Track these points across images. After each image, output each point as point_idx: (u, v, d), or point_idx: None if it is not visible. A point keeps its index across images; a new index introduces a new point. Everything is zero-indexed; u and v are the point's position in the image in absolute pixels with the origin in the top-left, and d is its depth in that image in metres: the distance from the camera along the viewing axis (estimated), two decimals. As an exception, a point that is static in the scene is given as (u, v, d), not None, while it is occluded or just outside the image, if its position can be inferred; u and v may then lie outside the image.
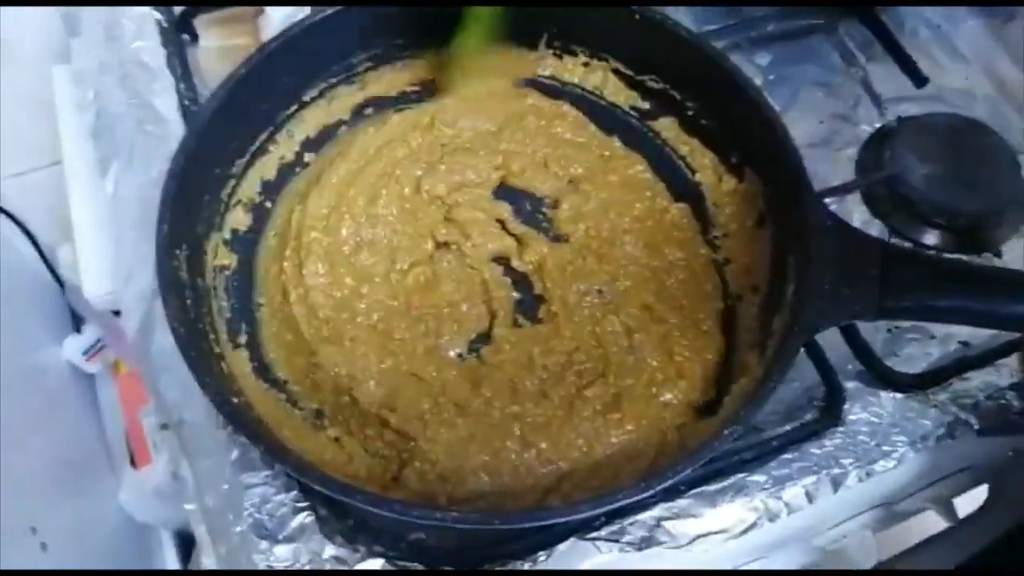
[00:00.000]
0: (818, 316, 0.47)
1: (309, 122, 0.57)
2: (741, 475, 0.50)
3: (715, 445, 0.44)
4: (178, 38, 0.60)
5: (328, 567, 0.46)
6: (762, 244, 0.54)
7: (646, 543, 0.48)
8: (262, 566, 0.45)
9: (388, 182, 0.55)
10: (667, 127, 0.59)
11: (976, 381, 0.54)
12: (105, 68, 0.60)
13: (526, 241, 0.55)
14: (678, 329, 0.52)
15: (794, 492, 0.50)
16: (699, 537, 0.48)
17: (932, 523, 0.59)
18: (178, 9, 0.61)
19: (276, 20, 0.59)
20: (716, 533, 0.49)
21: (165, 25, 0.61)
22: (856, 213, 0.61)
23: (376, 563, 0.46)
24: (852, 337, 0.55)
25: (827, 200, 0.56)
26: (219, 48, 0.61)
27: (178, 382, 0.50)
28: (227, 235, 0.53)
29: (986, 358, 0.55)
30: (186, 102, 0.57)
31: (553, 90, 0.61)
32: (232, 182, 0.54)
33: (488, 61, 0.59)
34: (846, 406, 0.52)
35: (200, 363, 0.44)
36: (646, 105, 0.60)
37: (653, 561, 0.48)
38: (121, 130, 0.58)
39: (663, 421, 0.49)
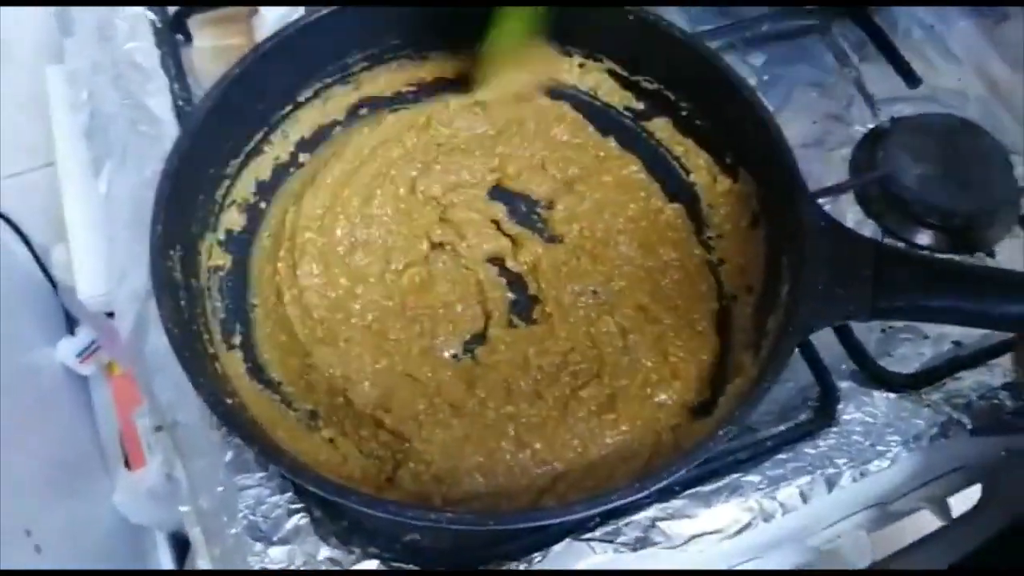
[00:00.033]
0: (812, 316, 0.47)
1: (304, 122, 0.57)
2: (736, 475, 0.50)
3: (710, 446, 0.44)
4: (172, 38, 0.60)
5: (323, 569, 0.45)
6: (756, 244, 0.54)
7: (641, 544, 0.48)
8: (257, 568, 0.45)
9: (383, 182, 0.55)
10: (661, 127, 0.59)
11: (969, 381, 0.54)
12: (98, 68, 0.60)
13: (521, 242, 0.55)
14: (673, 330, 0.52)
15: (788, 492, 0.50)
16: (694, 537, 0.48)
17: (926, 523, 0.59)
18: (172, 9, 0.61)
19: (270, 20, 0.59)
20: (711, 533, 0.49)
21: (159, 25, 0.60)
22: (850, 213, 0.61)
23: (371, 564, 0.46)
24: (846, 337, 0.55)
25: (821, 200, 0.56)
26: (213, 48, 0.61)
27: (172, 383, 0.50)
28: (221, 236, 0.53)
29: (979, 358, 0.55)
30: (180, 102, 0.57)
31: (550, 92, 0.61)
32: (227, 182, 0.53)
33: (523, 60, 0.59)
34: (840, 406, 0.53)
35: (194, 364, 0.44)
36: (640, 106, 0.60)
37: (648, 562, 0.48)
38: (115, 130, 0.58)
39: (658, 422, 0.49)
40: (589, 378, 0.50)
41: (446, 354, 0.51)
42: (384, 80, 0.59)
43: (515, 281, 0.54)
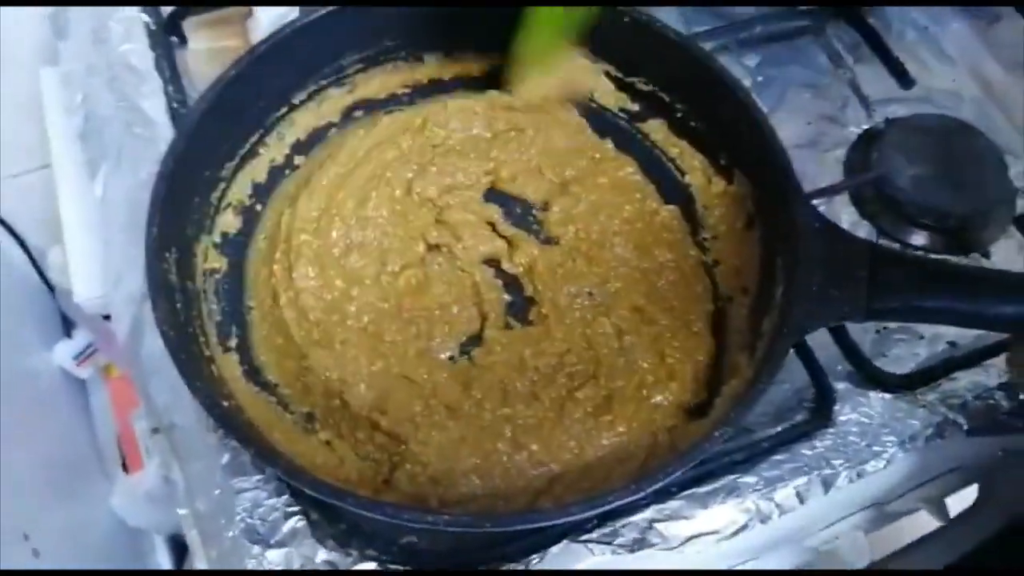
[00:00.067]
0: (807, 317, 0.47)
1: (299, 124, 0.57)
2: (732, 476, 0.50)
3: (706, 447, 0.44)
4: (166, 40, 0.60)
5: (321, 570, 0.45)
6: (751, 246, 0.54)
7: (638, 545, 0.48)
8: (255, 570, 0.45)
9: (378, 184, 0.55)
10: (656, 129, 0.59)
11: (964, 381, 0.54)
12: (93, 70, 0.60)
13: (517, 243, 0.55)
14: (669, 331, 0.52)
15: (785, 493, 0.50)
16: (691, 538, 0.48)
17: (924, 523, 0.59)
18: (166, 11, 0.61)
19: (265, 22, 0.59)
20: (708, 534, 0.49)
21: (153, 28, 0.60)
22: (844, 214, 0.61)
23: (369, 567, 0.46)
24: (841, 338, 0.55)
25: (815, 201, 0.56)
26: (208, 50, 0.61)
27: (168, 386, 0.50)
28: (217, 238, 0.53)
29: (974, 358, 0.55)
30: (175, 104, 0.57)
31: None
32: (222, 185, 0.53)
33: (554, 65, 0.58)
34: (836, 407, 0.53)
35: (190, 366, 0.44)
36: (635, 107, 0.60)
37: (645, 563, 0.48)
38: (109, 133, 0.58)
39: (654, 423, 0.49)
40: (585, 379, 0.50)
41: (442, 356, 0.51)
42: (379, 82, 0.59)
43: (511, 283, 0.54)
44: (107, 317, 0.56)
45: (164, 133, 0.56)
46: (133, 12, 0.61)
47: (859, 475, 0.51)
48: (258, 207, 0.55)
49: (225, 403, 0.45)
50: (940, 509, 0.59)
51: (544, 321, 0.52)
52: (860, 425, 0.52)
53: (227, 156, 0.54)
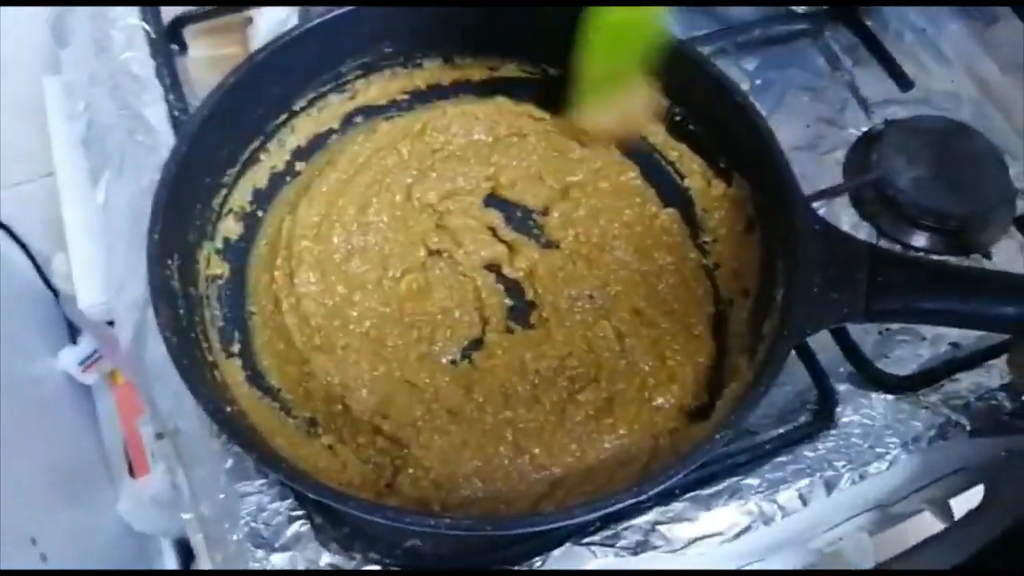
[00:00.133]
0: (807, 319, 0.47)
1: (299, 131, 0.58)
2: (735, 478, 0.50)
3: (707, 449, 0.44)
4: (167, 48, 0.61)
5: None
6: (751, 248, 0.54)
7: (641, 547, 0.48)
8: (258, 574, 0.45)
9: (379, 190, 0.55)
10: (655, 133, 0.60)
11: (966, 382, 0.54)
12: (95, 79, 0.60)
13: (517, 248, 0.55)
14: (669, 334, 0.52)
15: (788, 495, 0.50)
16: (694, 541, 0.48)
17: (929, 524, 0.59)
18: (167, 19, 0.62)
19: (265, 29, 0.59)
20: (711, 536, 0.49)
21: (154, 36, 0.61)
22: (844, 216, 0.61)
23: (372, 570, 0.46)
24: (843, 339, 0.55)
25: (815, 203, 0.56)
26: (208, 58, 0.62)
27: (172, 391, 0.50)
28: (219, 244, 0.53)
29: (976, 359, 0.55)
30: (176, 112, 0.58)
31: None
32: (224, 191, 0.54)
33: (623, 90, 0.54)
34: (838, 408, 0.53)
35: (193, 372, 0.44)
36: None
37: (648, 565, 0.48)
38: (111, 141, 0.58)
39: (655, 425, 0.49)
40: (586, 382, 0.50)
41: (444, 360, 0.51)
42: (379, 88, 0.60)
43: (512, 287, 0.54)
44: (111, 323, 0.56)
45: (165, 140, 0.57)
46: (134, 21, 0.61)
47: (862, 477, 0.51)
48: (259, 213, 0.56)
49: (228, 408, 0.45)
50: (944, 511, 0.59)
51: (545, 325, 0.52)
52: (862, 427, 0.52)
53: (228, 162, 0.54)
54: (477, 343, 0.52)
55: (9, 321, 0.87)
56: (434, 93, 0.61)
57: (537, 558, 0.47)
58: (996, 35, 0.70)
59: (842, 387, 0.54)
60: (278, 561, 0.46)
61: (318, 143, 0.58)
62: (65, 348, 0.98)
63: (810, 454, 0.51)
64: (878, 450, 0.52)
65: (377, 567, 0.46)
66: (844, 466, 0.51)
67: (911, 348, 0.56)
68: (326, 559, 0.46)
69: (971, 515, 0.58)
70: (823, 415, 0.53)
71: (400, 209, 0.55)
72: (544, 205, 0.57)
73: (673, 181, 0.59)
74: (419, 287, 0.53)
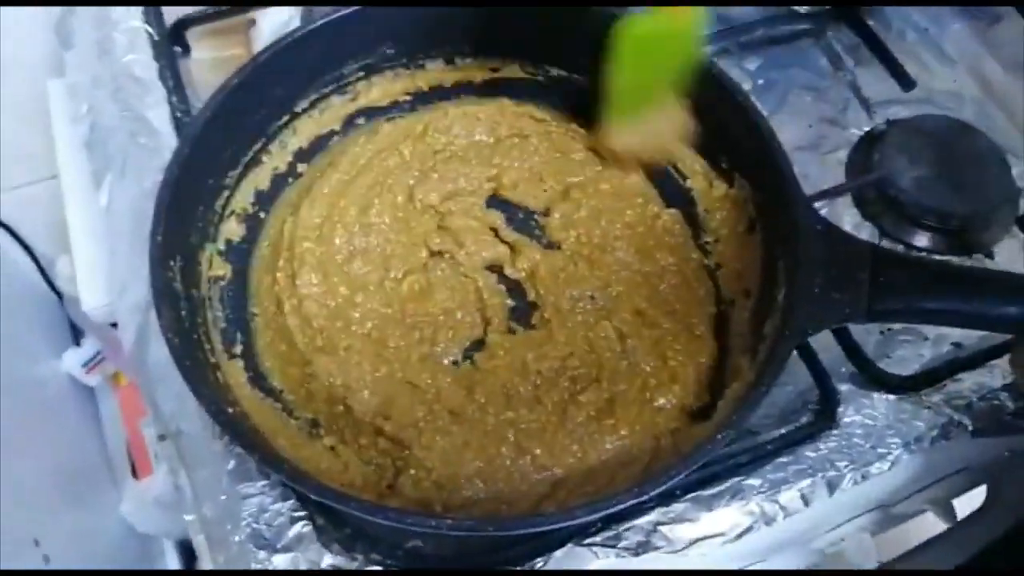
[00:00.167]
0: (808, 320, 0.47)
1: (301, 132, 0.58)
2: (737, 479, 0.50)
3: (709, 449, 0.44)
4: (170, 50, 0.61)
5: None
6: (753, 249, 0.54)
7: (643, 548, 0.48)
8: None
9: (380, 191, 0.55)
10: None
11: (969, 382, 0.54)
12: (98, 82, 0.60)
13: (519, 248, 0.55)
14: (671, 334, 0.52)
15: (790, 495, 0.50)
16: (696, 541, 0.48)
17: (931, 525, 0.59)
18: (170, 20, 0.62)
19: (267, 31, 0.60)
20: (713, 537, 0.49)
21: (156, 38, 0.61)
22: (847, 216, 0.61)
23: (374, 570, 0.46)
24: (845, 340, 0.55)
25: (818, 203, 0.56)
26: (211, 60, 0.62)
27: (174, 393, 0.51)
28: (221, 246, 0.53)
29: (978, 359, 0.55)
30: (179, 114, 0.58)
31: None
32: (226, 193, 0.54)
33: (654, 115, 0.53)
34: (840, 409, 0.53)
35: (195, 373, 0.44)
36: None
37: (650, 566, 0.48)
38: (114, 143, 0.58)
39: (657, 426, 0.49)
40: (588, 383, 0.50)
41: (445, 361, 0.51)
42: (380, 89, 0.60)
43: (514, 288, 0.55)
44: (114, 325, 0.57)
45: (168, 143, 0.57)
46: (137, 23, 0.61)
47: (864, 477, 0.51)
48: (261, 215, 0.56)
49: (230, 409, 0.45)
50: (947, 511, 0.59)
51: (546, 325, 0.52)
52: (864, 427, 0.52)
53: (230, 164, 0.54)
54: (479, 344, 0.52)
55: (13, 323, 0.87)
56: (436, 94, 0.61)
57: (539, 559, 0.47)
58: (999, 35, 0.70)
59: (844, 387, 0.54)
60: (280, 562, 0.46)
61: (320, 144, 0.58)
62: (68, 350, 0.98)
63: (812, 454, 0.51)
64: (880, 450, 0.52)
65: (379, 568, 0.46)
66: (846, 466, 0.51)
67: (913, 348, 0.56)
68: (328, 560, 0.46)
69: (973, 515, 0.58)
70: (825, 415, 0.53)
71: (402, 210, 0.56)
72: (545, 206, 0.57)
73: (675, 182, 0.59)
74: (421, 288, 0.53)
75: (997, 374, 0.55)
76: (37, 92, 0.67)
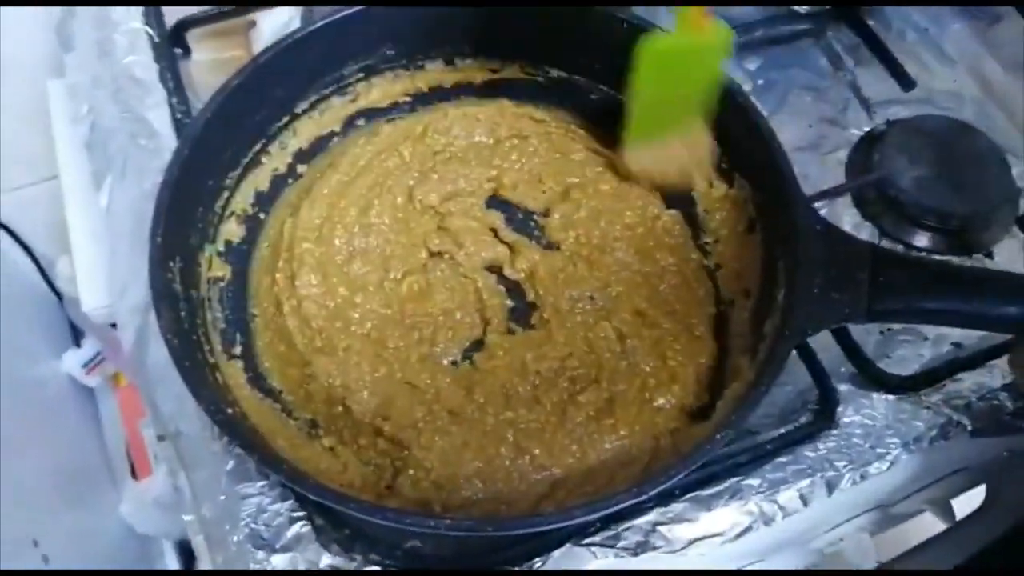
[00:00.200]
0: (808, 320, 0.47)
1: (301, 133, 0.58)
2: (736, 479, 0.50)
3: (708, 449, 0.44)
4: (170, 52, 0.61)
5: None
6: (753, 249, 0.54)
7: (642, 548, 0.48)
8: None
9: (380, 192, 0.55)
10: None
11: (968, 382, 0.54)
12: (98, 83, 0.60)
13: (518, 249, 0.55)
14: (671, 334, 0.52)
15: (789, 495, 0.50)
16: (695, 541, 0.48)
17: (930, 525, 0.59)
18: (170, 22, 0.62)
19: (268, 32, 0.60)
20: (711, 537, 0.49)
21: (157, 40, 0.61)
22: (847, 216, 0.61)
23: (373, 571, 0.46)
24: (844, 340, 0.55)
25: (817, 204, 0.56)
26: (212, 61, 0.62)
27: (174, 394, 0.51)
28: (221, 247, 0.53)
29: (978, 359, 0.55)
30: (179, 115, 0.58)
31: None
32: (225, 194, 0.54)
33: (676, 138, 0.52)
34: (839, 408, 0.53)
35: (194, 374, 0.44)
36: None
37: (649, 566, 0.48)
38: (115, 144, 0.58)
39: (656, 426, 0.49)
40: (587, 383, 0.50)
41: (445, 361, 0.51)
42: (380, 90, 0.60)
43: (513, 288, 0.55)
44: (114, 326, 0.57)
45: (168, 144, 0.57)
46: (137, 25, 0.61)
47: (863, 477, 0.51)
48: (261, 215, 0.56)
49: (229, 410, 0.45)
50: (946, 511, 0.59)
51: (546, 326, 0.52)
52: (864, 427, 0.52)
53: (230, 165, 0.54)
54: (478, 344, 0.52)
55: (13, 324, 0.87)
56: (435, 95, 0.61)
57: (537, 559, 0.47)
58: (999, 34, 0.70)
59: (843, 387, 0.54)
60: (279, 562, 0.46)
61: (320, 145, 0.58)
62: (68, 351, 0.98)
63: (811, 454, 0.51)
64: (879, 450, 0.52)
65: (378, 568, 0.46)
66: (845, 466, 0.51)
67: (913, 348, 0.56)
68: (327, 560, 0.46)
69: (973, 515, 0.58)
70: (824, 415, 0.53)
71: (401, 211, 0.56)
72: (545, 207, 0.57)
73: (675, 182, 0.59)
74: (420, 289, 0.53)
75: (996, 374, 0.55)
76: (37, 93, 0.67)
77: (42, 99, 0.66)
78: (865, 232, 0.61)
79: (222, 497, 0.48)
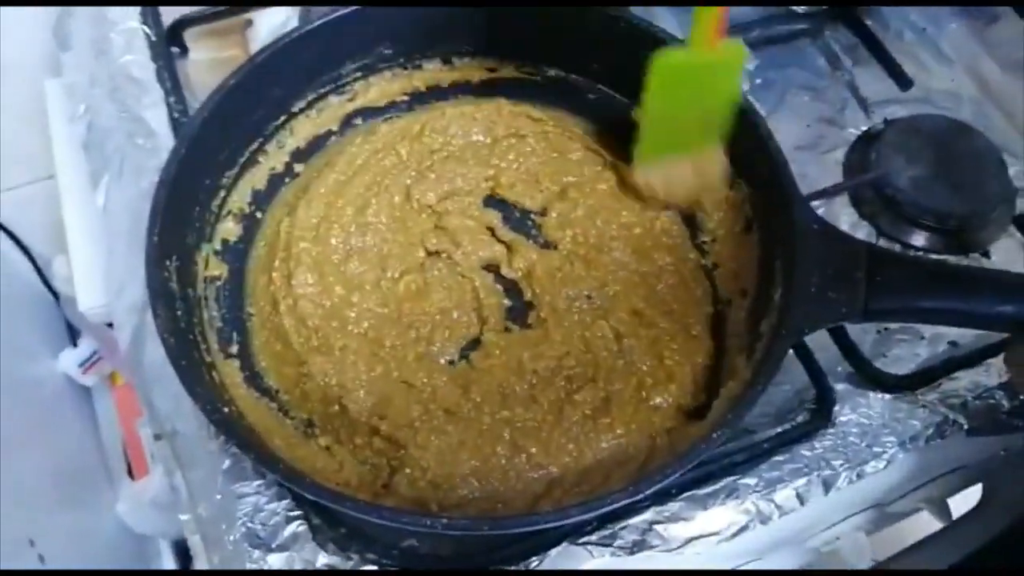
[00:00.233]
0: (804, 319, 0.47)
1: (299, 132, 0.58)
2: (732, 478, 0.50)
3: (704, 448, 0.44)
4: (167, 51, 0.61)
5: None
6: (750, 249, 0.54)
7: (638, 547, 0.48)
8: (255, 574, 0.45)
9: (378, 191, 0.55)
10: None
11: (965, 381, 0.54)
12: (95, 81, 0.60)
13: (515, 248, 0.55)
14: (668, 334, 0.52)
15: (785, 494, 0.50)
16: (691, 540, 0.48)
17: (927, 524, 0.59)
18: (167, 21, 0.62)
19: (265, 32, 0.60)
20: (708, 536, 0.49)
21: (154, 39, 0.61)
22: (844, 215, 0.62)
23: (369, 570, 0.46)
24: (841, 339, 0.55)
25: (815, 203, 0.56)
26: (209, 61, 0.62)
27: (170, 393, 0.51)
28: (217, 245, 0.53)
29: (975, 358, 0.55)
30: (176, 115, 0.58)
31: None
32: (222, 192, 0.54)
33: (687, 157, 0.51)
34: (836, 408, 0.53)
35: (190, 373, 0.44)
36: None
37: (645, 565, 0.48)
38: (112, 143, 0.58)
39: (653, 425, 0.49)
40: (584, 382, 0.50)
41: (442, 360, 0.51)
42: (378, 89, 0.60)
43: (510, 287, 0.54)
44: (111, 325, 0.57)
45: (165, 143, 0.57)
46: (134, 24, 0.61)
47: (859, 476, 0.51)
48: (258, 214, 0.56)
49: (225, 409, 0.45)
50: (942, 510, 0.59)
51: (543, 325, 0.52)
52: (860, 426, 0.52)
53: (227, 164, 0.54)
54: (475, 343, 0.52)
55: (10, 323, 0.87)
56: (433, 94, 0.61)
57: (534, 558, 0.47)
58: (996, 34, 0.70)
59: (840, 386, 0.54)
60: (275, 561, 0.46)
61: (317, 144, 0.58)
62: (65, 350, 0.98)
63: (808, 453, 0.51)
64: (876, 449, 0.52)
65: (374, 567, 0.46)
66: (842, 465, 0.51)
67: (909, 347, 0.56)
68: (323, 559, 0.46)
69: (969, 514, 0.58)
70: (821, 414, 0.53)
71: (399, 210, 0.56)
72: (542, 206, 0.57)
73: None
74: (417, 288, 0.53)
75: (993, 373, 0.55)
76: (34, 92, 0.67)
77: (39, 98, 0.66)
78: (862, 231, 0.61)
79: (218, 496, 0.48)
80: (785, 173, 0.50)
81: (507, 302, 0.54)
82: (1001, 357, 0.54)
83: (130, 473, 0.97)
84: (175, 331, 0.46)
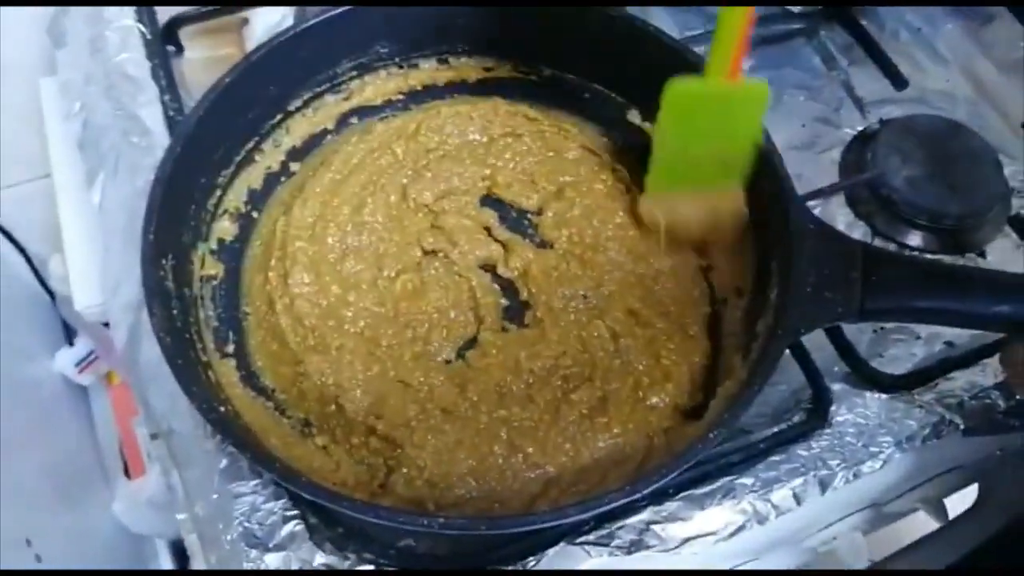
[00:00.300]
0: (801, 319, 0.47)
1: (294, 131, 0.58)
2: (729, 478, 0.50)
3: (701, 448, 0.44)
4: (163, 49, 0.61)
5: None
6: (746, 248, 0.54)
7: (635, 546, 0.48)
8: (252, 574, 0.45)
9: (374, 191, 0.55)
10: (650, 133, 0.59)
11: (961, 381, 0.54)
12: (90, 80, 0.60)
13: (512, 247, 0.55)
14: (664, 334, 0.52)
15: (782, 494, 0.50)
16: (688, 540, 0.49)
17: (923, 524, 0.59)
18: (162, 19, 0.62)
19: (260, 30, 0.59)
20: (705, 536, 0.49)
21: (149, 37, 0.61)
22: (840, 215, 0.62)
23: (366, 569, 0.46)
24: (837, 338, 0.55)
25: (811, 203, 0.56)
26: (204, 59, 0.62)
27: (166, 392, 0.51)
28: (213, 245, 0.53)
29: (971, 358, 0.55)
30: (171, 113, 0.58)
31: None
32: (218, 192, 0.54)
33: (699, 192, 0.49)
34: (832, 407, 0.53)
35: (186, 372, 0.44)
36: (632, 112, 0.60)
37: (642, 564, 0.48)
38: (107, 141, 0.58)
39: (649, 425, 0.49)
40: (580, 381, 0.50)
41: (438, 359, 0.51)
42: (374, 88, 0.60)
43: (507, 287, 0.54)
44: (107, 324, 0.57)
45: (161, 142, 0.57)
46: (129, 22, 0.61)
47: (856, 476, 0.51)
48: (254, 214, 0.56)
49: (221, 408, 0.45)
50: (939, 510, 0.59)
51: (539, 324, 0.52)
52: (856, 426, 0.53)
53: (223, 163, 0.54)
54: (472, 342, 0.52)
55: (6, 323, 0.87)
56: (429, 93, 0.61)
57: (531, 558, 0.47)
58: (992, 34, 0.70)
59: (836, 386, 0.54)
60: (272, 561, 0.46)
61: (313, 143, 0.58)
62: (61, 349, 0.98)
63: (804, 453, 0.51)
64: (872, 449, 0.52)
65: (371, 567, 0.46)
66: (838, 465, 0.51)
67: (905, 347, 0.56)
68: (320, 559, 0.46)
69: (965, 514, 0.58)
70: (817, 414, 0.53)
71: (395, 209, 0.55)
72: (539, 205, 0.57)
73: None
74: (414, 287, 0.53)
75: (989, 373, 0.55)
76: (29, 90, 0.67)
77: (34, 97, 0.66)
78: (858, 231, 0.61)
79: (215, 496, 0.48)
80: (781, 173, 0.50)
81: (504, 301, 0.54)
82: (997, 357, 0.54)
83: (126, 472, 0.97)
84: (171, 330, 0.46)
